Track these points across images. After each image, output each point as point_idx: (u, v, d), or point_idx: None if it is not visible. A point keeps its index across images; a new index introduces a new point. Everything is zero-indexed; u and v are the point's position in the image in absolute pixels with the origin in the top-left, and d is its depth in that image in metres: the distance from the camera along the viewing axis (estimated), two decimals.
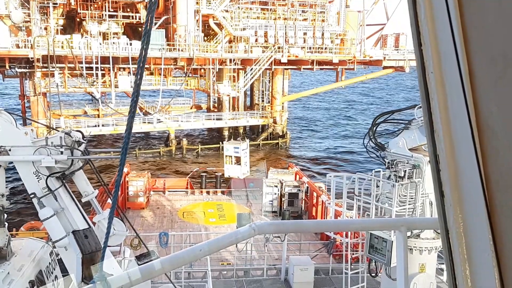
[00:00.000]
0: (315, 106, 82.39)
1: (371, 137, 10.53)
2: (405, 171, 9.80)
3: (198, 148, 44.72)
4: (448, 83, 0.96)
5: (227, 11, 45.80)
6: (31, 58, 37.33)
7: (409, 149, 10.20)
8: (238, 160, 21.57)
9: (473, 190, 0.96)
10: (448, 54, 0.94)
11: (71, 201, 7.44)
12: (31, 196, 7.23)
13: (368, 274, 11.65)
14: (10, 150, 7.04)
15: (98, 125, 41.77)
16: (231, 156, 21.89)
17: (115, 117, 43.38)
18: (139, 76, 1.81)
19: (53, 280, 7.95)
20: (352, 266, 13.07)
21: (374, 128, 10.50)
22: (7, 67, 38.96)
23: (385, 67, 51.13)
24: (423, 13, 0.97)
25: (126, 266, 9.02)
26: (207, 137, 51.09)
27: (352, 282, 12.47)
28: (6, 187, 7.46)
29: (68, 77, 40.74)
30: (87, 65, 39.53)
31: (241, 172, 21.04)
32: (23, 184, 7.37)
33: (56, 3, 39.90)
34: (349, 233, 13.23)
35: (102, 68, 40.48)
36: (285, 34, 47.28)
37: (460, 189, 0.98)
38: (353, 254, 15.01)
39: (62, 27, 42.51)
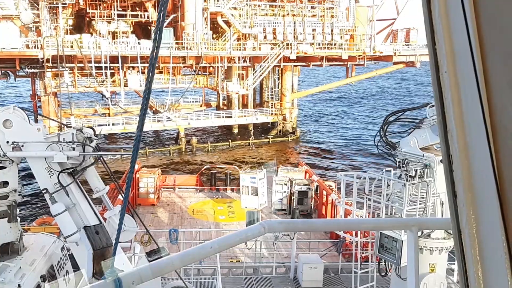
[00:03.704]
0: (326, 102, 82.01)
1: (382, 136, 10.46)
2: (416, 171, 9.72)
3: (208, 146, 44.87)
4: (462, 82, 0.94)
5: (235, 8, 45.77)
6: (41, 58, 37.74)
7: (421, 148, 10.11)
8: (255, 191, 20.82)
9: (486, 190, 0.95)
10: (462, 53, 0.93)
11: (83, 197, 7.54)
12: (43, 191, 7.34)
13: (378, 274, 11.58)
14: (23, 146, 7.14)
15: (109, 124, 42.14)
16: (247, 187, 21.11)
17: (125, 116, 43.71)
18: (150, 74, 1.83)
19: (64, 275, 8.06)
20: (362, 265, 13.01)
21: (386, 127, 10.43)
22: (18, 67, 39.45)
23: (395, 63, 50.67)
24: (437, 11, 0.95)
25: (136, 262, 9.11)
26: (216, 135, 51.22)
27: (362, 281, 12.41)
28: (18, 183, 7.58)
29: (78, 76, 41.18)
30: (97, 65, 39.88)
31: (258, 203, 20.36)
32: (35, 179, 7.48)
33: (65, 3, 40.29)
34: (359, 232, 13.16)
35: (112, 67, 40.82)
36: (294, 30, 47.06)
37: (473, 189, 0.97)
38: (362, 253, 14.95)
39: (71, 27, 42.94)
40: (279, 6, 48.23)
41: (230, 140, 46.18)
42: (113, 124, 42.50)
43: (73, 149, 7.17)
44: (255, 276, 15.97)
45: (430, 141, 10.03)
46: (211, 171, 29.09)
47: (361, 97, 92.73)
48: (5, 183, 7.28)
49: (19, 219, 7.66)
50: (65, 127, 8.08)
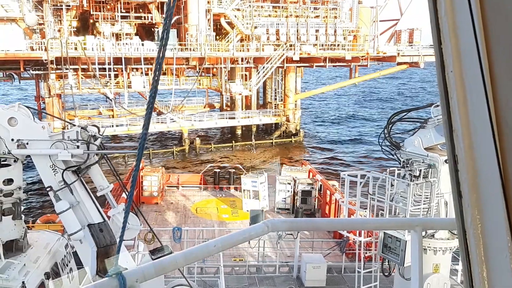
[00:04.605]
0: (329, 103, 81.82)
1: (386, 135, 10.43)
2: (420, 171, 9.68)
3: (211, 147, 44.86)
4: (468, 82, 0.94)
5: (238, 9, 45.75)
6: (45, 60, 37.84)
7: (425, 148, 10.07)
8: (256, 194, 20.92)
9: (492, 191, 0.94)
10: (468, 52, 0.92)
11: (87, 195, 7.56)
12: (48, 189, 7.36)
13: (381, 274, 11.56)
14: (27, 143, 7.17)
15: (113, 126, 42.21)
16: (249, 190, 21.21)
17: (129, 118, 43.82)
18: (157, 72, 1.83)
19: (68, 273, 8.09)
20: (365, 265, 12.99)
21: (390, 127, 10.40)
22: (22, 69, 39.60)
23: (399, 63, 50.51)
24: (443, 10, 0.95)
25: (140, 260, 9.13)
26: (220, 136, 51.22)
27: (365, 281, 12.38)
28: (23, 180, 7.62)
29: (81, 78, 41.30)
30: (100, 66, 39.94)
31: (260, 207, 20.55)
32: (40, 177, 7.51)
33: (69, 5, 40.41)
34: (362, 231, 13.14)
35: (115, 69, 40.91)
36: (297, 31, 46.97)
37: (478, 189, 0.97)
38: (366, 253, 14.92)
39: (75, 29, 43.04)
40: (282, 7, 48.15)
41: (233, 141, 46.19)
42: (117, 126, 42.58)
43: (78, 147, 7.20)
44: (258, 275, 15.98)
45: (435, 141, 9.99)
46: (215, 170, 29.16)
47: (365, 98, 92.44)
48: (10, 181, 7.32)
49: (23, 216, 7.70)
50: (70, 125, 8.13)
